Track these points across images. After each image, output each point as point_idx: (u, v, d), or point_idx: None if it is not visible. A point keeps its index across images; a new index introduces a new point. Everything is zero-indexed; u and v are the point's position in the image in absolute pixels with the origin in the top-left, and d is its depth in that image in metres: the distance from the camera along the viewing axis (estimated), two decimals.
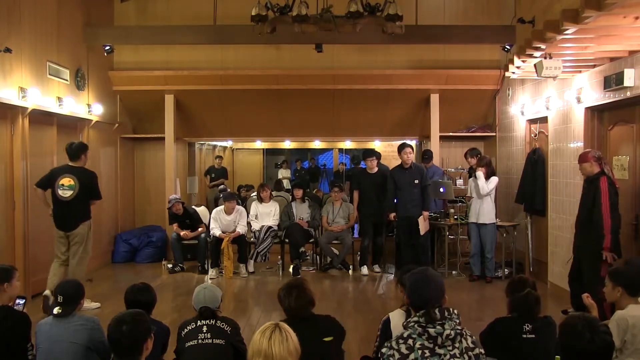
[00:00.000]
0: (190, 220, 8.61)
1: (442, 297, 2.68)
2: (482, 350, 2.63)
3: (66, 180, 6.33)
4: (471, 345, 2.55)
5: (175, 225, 8.54)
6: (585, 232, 5.55)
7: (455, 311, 2.62)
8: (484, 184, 7.61)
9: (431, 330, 2.51)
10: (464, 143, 9.57)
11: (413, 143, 9.47)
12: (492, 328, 3.44)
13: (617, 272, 3.70)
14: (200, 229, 8.53)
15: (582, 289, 5.29)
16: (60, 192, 6.32)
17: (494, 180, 7.69)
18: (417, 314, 2.61)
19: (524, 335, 3.31)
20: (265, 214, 8.52)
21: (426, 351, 2.49)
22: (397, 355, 2.50)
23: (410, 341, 2.51)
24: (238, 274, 8.16)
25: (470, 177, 8.43)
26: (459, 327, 2.56)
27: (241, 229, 8.22)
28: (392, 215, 7.97)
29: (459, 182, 9.27)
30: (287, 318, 3.21)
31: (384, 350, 2.56)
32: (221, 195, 9.26)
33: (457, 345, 2.51)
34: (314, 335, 3.10)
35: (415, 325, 2.55)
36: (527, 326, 3.32)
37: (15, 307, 3.72)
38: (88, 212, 6.50)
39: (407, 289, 2.77)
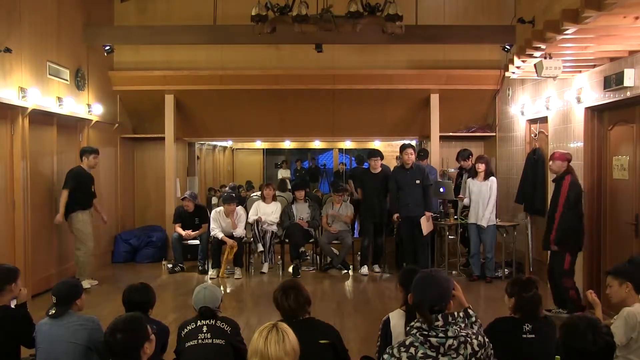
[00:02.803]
0: (199, 217, 8.57)
1: (447, 301, 2.59)
2: (490, 352, 2.57)
3: None
4: (476, 349, 2.49)
5: (177, 226, 8.53)
6: (549, 230, 5.91)
7: (461, 314, 2.57)
8: (494, 194, 7.64)
9: (433, 340, 2.46)
10: (464, 143, 9.55)
11: (413, 143, 9.45)
12: (492, 328, 3.43)
13: (623, 269, 3.66)
14: (201, 229, 8.49)
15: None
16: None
17: (494, 184, 7.69)
18: (418, 320, 2.55)
19: (524, 335, 3.31)
20: (267, 215, 8.46)
21: None
22: None
23: (412, 350, 2.46)
24: (233, 274, 8.14)
25: (459, 178, 8.41)
26: (464, 333, 2.49)
27: (240, 232, 8.19)
28: (396, 216, 7.99)
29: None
30: (283, 319, 3.20)
31: (385, 357, 2.51)
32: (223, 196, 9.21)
33: (461, 352, 2.46)
34: (311, 336, 3.08)
35: (417, 334, 2.49)
36: (527, 326, 3.32)
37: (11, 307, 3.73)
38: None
39: (412, 285, 2.72)
